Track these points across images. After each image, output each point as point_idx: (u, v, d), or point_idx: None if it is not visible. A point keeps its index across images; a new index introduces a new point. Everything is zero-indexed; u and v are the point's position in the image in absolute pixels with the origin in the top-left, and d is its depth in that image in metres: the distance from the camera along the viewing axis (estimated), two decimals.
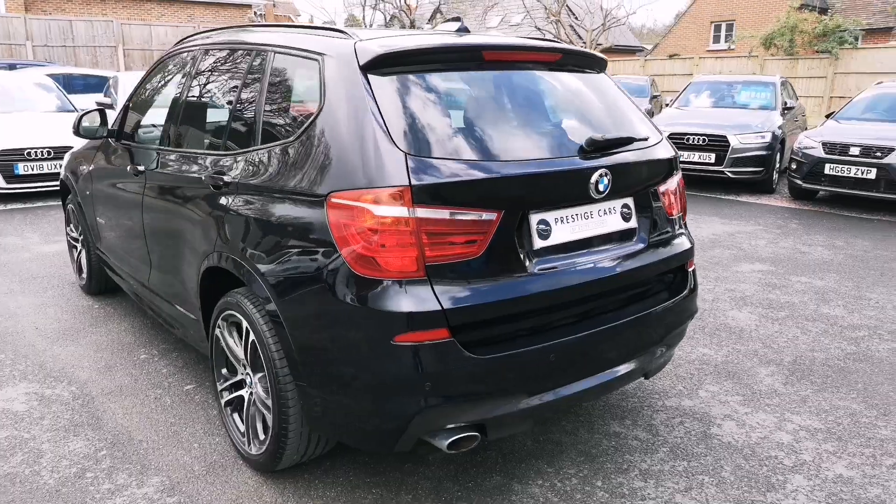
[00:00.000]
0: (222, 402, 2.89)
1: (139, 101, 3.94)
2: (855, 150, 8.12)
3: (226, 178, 2.69)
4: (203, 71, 3.25)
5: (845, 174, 8.19)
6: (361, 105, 2.22)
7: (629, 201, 2.59)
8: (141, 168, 3.44)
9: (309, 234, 2.25)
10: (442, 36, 2.66)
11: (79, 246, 4.85)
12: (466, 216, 2.14)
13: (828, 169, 8.33)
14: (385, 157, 2.10)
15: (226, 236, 2.62)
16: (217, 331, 2.82)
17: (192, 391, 3.38)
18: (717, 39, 30.40)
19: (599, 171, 2.38)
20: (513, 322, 2.25)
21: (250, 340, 2.55)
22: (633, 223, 2.60)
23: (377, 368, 2.12)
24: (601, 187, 2.40)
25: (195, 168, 2.98)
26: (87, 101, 10.48)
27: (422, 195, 2.07)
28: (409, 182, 2.06)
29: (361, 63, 2.29)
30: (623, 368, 2.55)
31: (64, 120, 8.93)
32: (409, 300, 2.07)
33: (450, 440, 2.19)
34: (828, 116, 9.77)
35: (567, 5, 26.79)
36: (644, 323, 2.56)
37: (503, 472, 2.72)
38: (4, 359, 3.74)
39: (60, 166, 8.22)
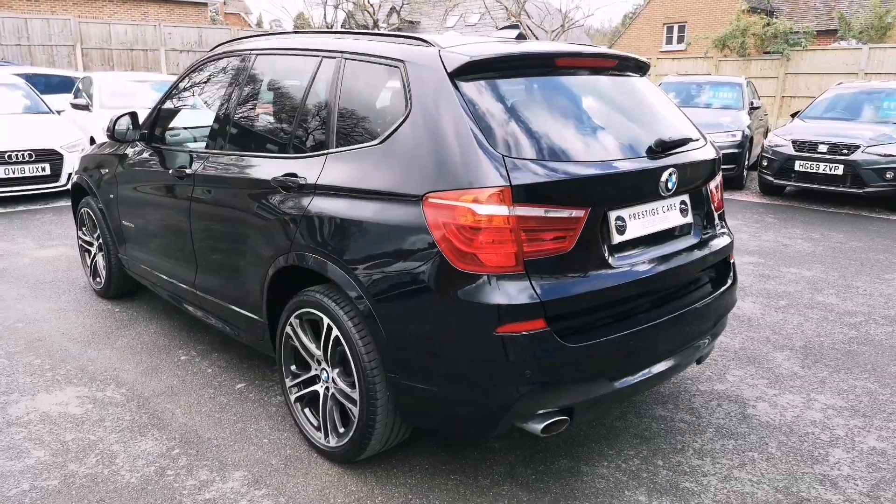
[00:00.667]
0: (292, 398, 2.97)
1: (175, 105, 3.95)
2: (823, 148, 8.57)
3: (300, 181, 2.76)
4: (258, 75, 3.31)
5: (814, 170, 8.64)
6: (454, 110, 2.34)
7: (686, 198, 2.78)
8: (188, 171, 3.48)
9: (404, 232, 2.35)
10: (517, 44, 2.79)
11: (93, 250, 4.81)
12: (559, 214, 2.28)
13: (798, 165, 8.76)
14: (485, 159, 2.23)
15: (306, 236, 2.70)
16: (288, 329, 2.90)
17: (245, 389, 3.44)
18: (669, 41, 31.21)
19: (669, 170, 2.56)
20: (598, 312, 2.41)
21: (332, 336, 2.64)
22: (689, 218, 2.79)
23: (479, 359, 2.25)
24: (670, 185, 2.58)
25: (257, 170, 3.04)
26: (55, 102, 10.20)
27: (520, 195, 2.21)
28: (510, 182, 2.20)
29: (450, 70, 2.41)
30: (686, 353, 2.74)
31: (41, 121, 8.73)
32: (511, 293, 2.21)
33: (544, 424, 2.33)
34: (793, 116, 10.25)
35: (524, 8, 27.17)
36: (702, 311, 2.75)
37: (568, 455, 2.88)
38: (43, 364, 3.72)
39: (44, 169, 8.08)
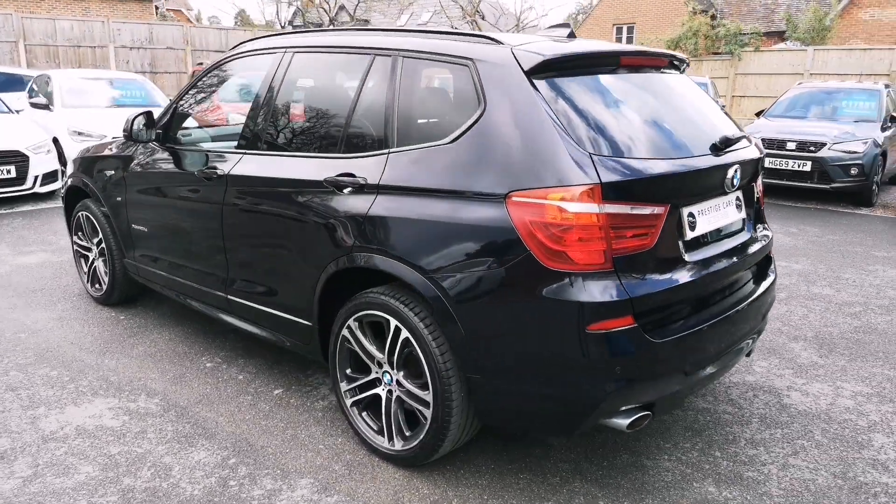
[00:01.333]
0: (347, 402, 2.91)
1: (197, 104, 3.82)
2: (791, 145, 8.90)
3: (359, 180, 2.71)
4: (298, 73, 3.23)
5: (783, 167, 8.96)
6: (534, 108, 2.34)
7: (740, 195, 2.85)
8: (219, 171, 3.36)
9: (487, 230, 2.34)
10: (580, 42, 2.80)
11: (91, 255, 4.61)
12: (643, 210, 2.31)
13: (768, 162, 9.06)
14: (572, 157, 2.23)
15: (370, 237, 2.64)
16: (345, 332, 2.84)
17: (284, 395, 3.36)
18: (619, 41, 31.86)
19: (735, 167, 2.62)
20: (676, 307, 2.45)
21: (401, 338, 2.60)
22: (743, 214, 2.86)
23: (569, 357, 2.26)
24: (735, 181, 2.64)
25: (304, 170, 2.97)
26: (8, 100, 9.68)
27: (609, 192, 2.22)
28: (600, 180, 2.21)
29: (526, 68, 2.40)
30: (742, 347, 2.81)
31: (2, 122, 8.32)
32: (602, 290, 2.22)
33: (630, 420, 2.35)
34: (758, 114, 10.61)
35: (478, 8, 27.32)
36: (757, 304, 2.83)
37: (627, 450, 2.91)
38: (61, 375, 3.54)
39: (9, 172, 7.64)
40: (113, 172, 4.20)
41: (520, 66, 2.42)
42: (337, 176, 2.81)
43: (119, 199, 4.16)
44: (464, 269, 2.38)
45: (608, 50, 2.67)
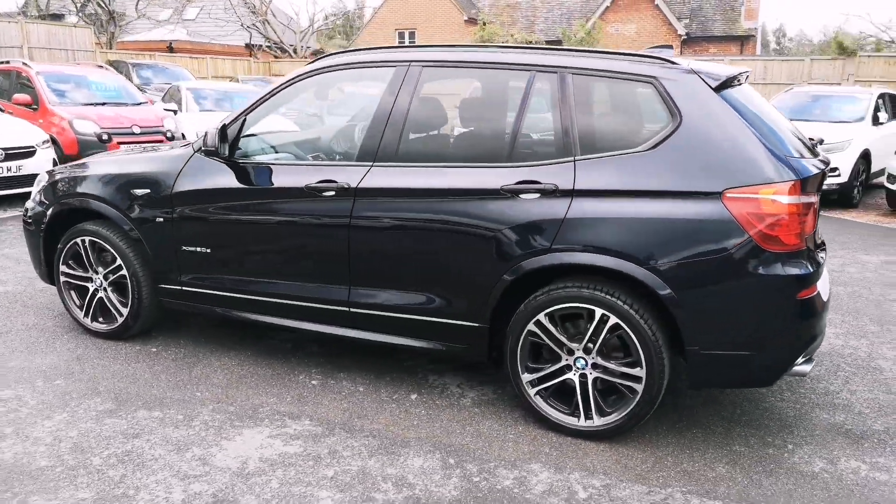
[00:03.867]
0: (531, 392, 3.15)
1: (274, 116, 3.66)
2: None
3: (547, 187, 2.98)
4: (434, 87, 3.34)
5: None
6: (731, 118, 2.84)
7: None
8: (341, 185, 3.33)
9: (704, 223, 2.79)
10: (723, 63, 3.30)
11: (92, 286, 4.10)
12: (812, 200, 2.92)
13: None
14: (774, 158, 2.78)
15: (573, 238, 2.92)
16: (531, 327, 3.07)
17: (422, 399, 3.45)
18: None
19: (827, 166, 3.34)
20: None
21: (608, 324, 2.93)
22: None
23: (782, 320, 2.81)
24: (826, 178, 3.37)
25: (472, 179, 3.13)
26: None
27: (803, 186, 2.80)
28: (797, 176, 2.78)
29: (713, 86, 2.89)
30: None
31: None
32: (804, 265, 2.81)
33: (811, 366, 2.97)
34: None
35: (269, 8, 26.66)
36: None
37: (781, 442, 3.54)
38: (175, 415, 3.24)
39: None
40: (149, 191, 3.82)
41: (706, 84, 2.90)
42: (517, 183, 3.03)
43: (161, 219, 3.80)
44: (687, 258, 2.80)
45: (740, 71, 3.24)
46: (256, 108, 3.69)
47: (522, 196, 3.04)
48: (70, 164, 4.44)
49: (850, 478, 2.84)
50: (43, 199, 4.23)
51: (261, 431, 3.11)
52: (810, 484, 2.80)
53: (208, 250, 3.74)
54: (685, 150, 2.86)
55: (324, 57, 3.71)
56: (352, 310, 3.46)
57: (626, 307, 2.89)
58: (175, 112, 10.62)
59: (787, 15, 65.52)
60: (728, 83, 2.97)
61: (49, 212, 4.16)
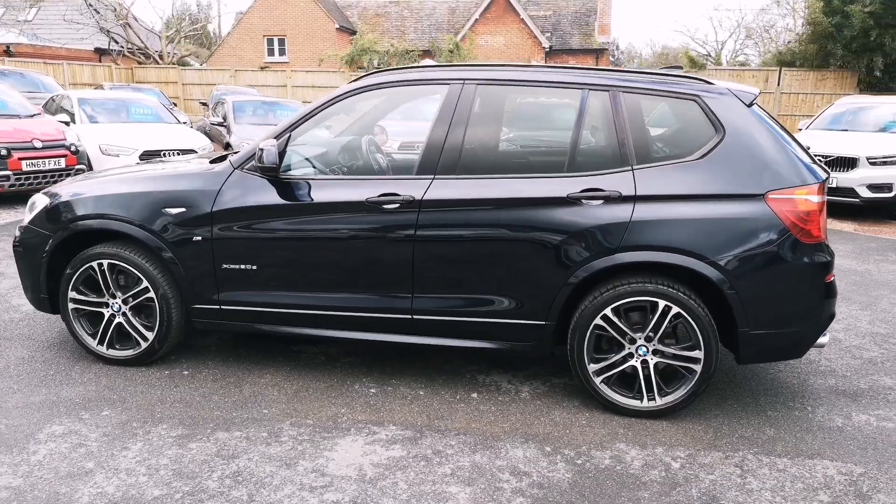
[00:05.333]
0: (596, 380, 3.46)
1: (331, 136, 3.71)
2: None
3: (611, 193, 3.32)
4: (490, 103, 3.57)
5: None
6: (765, 131, 3.33)
7: None
8: (405, 198, 3.47)
9: (751, 221, 3.24)
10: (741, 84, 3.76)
11: (108, 311, 3.90)
12: (824, 198, 3.47)
13: None
14: (803, 164, 3.30)
15: (638, 239, 3.28)
16: (598, 321, 3.39)
17: (483, 397, 3.66)
18: (271, 52, 32.36)
19: None
20: None
21: (670, 314, 3.31)
22: None
23: (816, 300, 3.34)
24: None
25: (537, 189, 3.40)
26: None
27: (822, 188, 3.34)
28: (819, 179, 3.31)
29: (746, 102, 3.37)
30: None
31: None
32: (828, 252, 3.35)
33: (826, 338, 3.51)
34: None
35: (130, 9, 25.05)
36: None
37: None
38: (258, 434, 3.22)
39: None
40: (185, 209, 3.72)
41: (741, 101, 3.37)
42: (582, 191, 3.35)
43: (199, 237, 3.71)
44: (738, 251, 3.25)
45: (757, 91, 3.74)
46: (302, 124, 3.73)
47: (585, 203, 3.35)
48: (68, 184, 4.17)
49: (867, 428, 3.42)
50: (45, 222, 3.95)
51: (355, 440, 3.18)
52: (842, 435, 3.34)
53: (254, 267, 3.71)
54: (731, 158, 3.31)
55: (371, 74, 3.81)
56: (414, 317, 3.60)
57: (686, 298, 3.28)
58: (68, 124, 9.93)
59: (618, 29, 71.44)
60: (754, 101, 3.45)
61: (55, 236, 3.90)
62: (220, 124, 11.75)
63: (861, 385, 3.92)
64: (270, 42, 32.33)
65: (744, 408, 3.61)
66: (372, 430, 3.28)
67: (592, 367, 3.47)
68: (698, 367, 3.36)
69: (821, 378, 4.02)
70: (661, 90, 3.46)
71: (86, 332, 3.99)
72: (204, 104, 19.08)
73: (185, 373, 3.90)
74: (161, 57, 25.99)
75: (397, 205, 3.50)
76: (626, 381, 3.49)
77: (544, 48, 29.69)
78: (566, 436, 3.27)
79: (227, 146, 11.33)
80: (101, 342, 3.96)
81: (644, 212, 3.31)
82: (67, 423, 3.27)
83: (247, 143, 10.68)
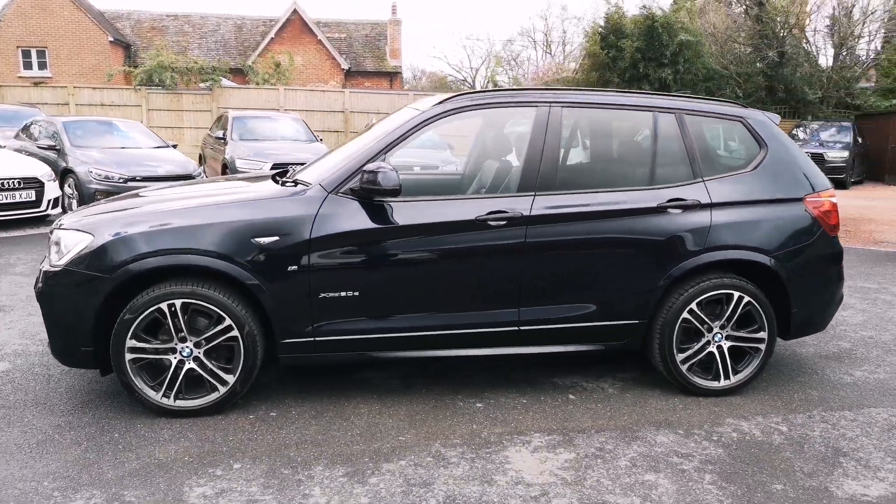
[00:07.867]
0: (683, 368, 3.91)
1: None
2: None
3: (692, 202, 3.82)
4: (582, 124, 3.87)
5: None
6: (793, 147, 4.08)
7: None
8: (512, 214, 3.63)
9: (795, 220, 3.96)
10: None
11: (176, 358, 3.48)
12: None
13: None
14: (820, 172, 4.09)
15: (719, 240, 3.81)
16: (685, 314, 3.86)
17: (580, 399, 3.92)
18: (28, 66, 28.53)
19: None
20: None
21: (742, 303, 3.88)
22: None
23: (837, 279, 4.14)
24: None
25: (630, 200, 3.78)
26: None
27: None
28: (829, 185, 4.14)
29: (776, 122, 4.09)
30: None
31: None
32: (840, 243, 4.17)
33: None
34: None
35: None
36: None
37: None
38: (409, 463, 3.14)
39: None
40: (278, 238, 3.47)
41: (772, 121, 4.08)
42: (668, 201, 3.81)
43: (293, 267, 3.50)
44: (790, 245, 3.93)
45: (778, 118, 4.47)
46: (393, 147, 3.70)
47: (672, 211, 3.80)
48: (103, 216, 3.62)
49: (869, 380, 4.29)
50: (93, 262, 3.40)
51: (518, 450, 3.27)
52: (861, 387, 4.17)
53: (356, 293, 3.59)
54: (775, 169, 3.99)
55: (454, 97, 3.87)
56: (521, 328, 3.76)
57: (754, 288, 3.88)
58: None
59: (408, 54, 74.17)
60: (777, 123, 4.19)
61: (111, 277, 3.38)
62: (50, 148, 10.30)
63: (831, 349, 4.86)
64: (27, 54, 28.48)
65: (776, 379, 4.30)
66: (523, 439, 3.38)
67: (679, 357, 3.92)
68: (763, 347, 3.97)
69: (805, 348, 4.89)
70: (714, 112, 4.05)
71: (146, 383, 3.50)
72: None
73: (273, 414, 3.61)
74: None
75: (504, 221, 3.65)
76: (704, 366, 3.98)
77: (343, 69, 29.97)
78: (683, 419, 3.67)
79: (67, 172, 9.99)
80: (165, 393, 3.51)
81: (719, 217, 3.85)
82: (209, 484, 2.91)
83: (95, 168, 9.61)
